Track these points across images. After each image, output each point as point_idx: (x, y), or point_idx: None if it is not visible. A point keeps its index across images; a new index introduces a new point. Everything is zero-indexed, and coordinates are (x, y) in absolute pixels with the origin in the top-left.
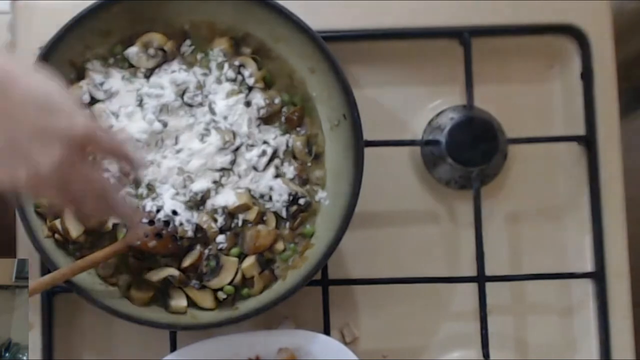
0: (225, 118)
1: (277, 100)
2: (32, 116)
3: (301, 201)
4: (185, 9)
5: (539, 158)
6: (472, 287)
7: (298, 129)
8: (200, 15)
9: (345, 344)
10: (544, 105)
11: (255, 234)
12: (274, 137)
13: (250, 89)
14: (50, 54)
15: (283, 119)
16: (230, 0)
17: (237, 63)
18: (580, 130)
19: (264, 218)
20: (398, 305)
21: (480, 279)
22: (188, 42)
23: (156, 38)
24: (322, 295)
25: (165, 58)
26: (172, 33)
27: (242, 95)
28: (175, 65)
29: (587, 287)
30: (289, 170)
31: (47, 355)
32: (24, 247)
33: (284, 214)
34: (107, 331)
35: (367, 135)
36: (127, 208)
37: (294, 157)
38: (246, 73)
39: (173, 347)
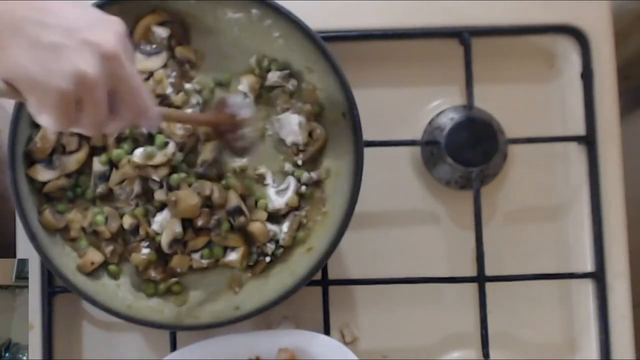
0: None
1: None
2: (74, 21)
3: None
4: (185, 7)
5: (539, 158)
6: (472, 287)
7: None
8: (200, 12)
9: (345, 344)
10: (544, 105)
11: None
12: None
13: None
14: None
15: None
16: (230, 0)
17: None
18: (580, 130)
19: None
20: (398, 305)
21: (480, 279)
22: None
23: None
24: (322, 295)
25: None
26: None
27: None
28: None
29: (587, 287)
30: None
31: (47, 355)
32: (24, 247)
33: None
34: (107, 331)
35: (367, 135)
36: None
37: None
38: None
39: (173, 347)
